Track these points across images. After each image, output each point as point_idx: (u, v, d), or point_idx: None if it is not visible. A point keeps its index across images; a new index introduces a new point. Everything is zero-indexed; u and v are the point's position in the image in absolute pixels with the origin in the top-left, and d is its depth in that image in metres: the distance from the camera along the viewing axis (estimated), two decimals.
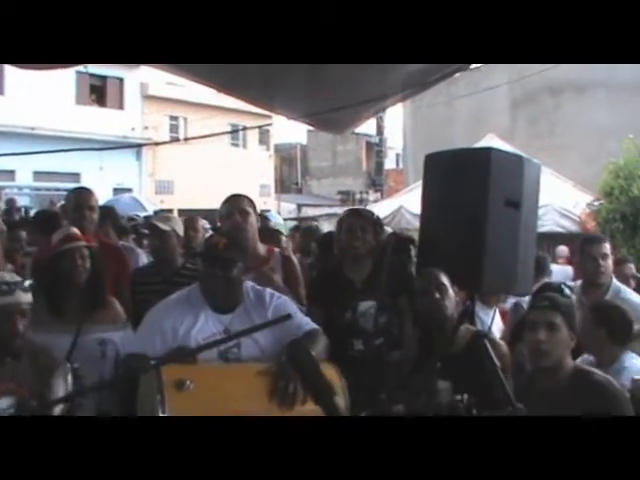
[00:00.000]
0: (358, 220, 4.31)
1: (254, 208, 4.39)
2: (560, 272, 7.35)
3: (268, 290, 3.54)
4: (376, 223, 4.41)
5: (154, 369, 2.93)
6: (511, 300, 5.00)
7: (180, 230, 4.79)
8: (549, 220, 10.91)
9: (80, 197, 4.82)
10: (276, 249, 4.63)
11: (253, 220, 4.32)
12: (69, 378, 2.71)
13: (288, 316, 2.00)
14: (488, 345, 2.14)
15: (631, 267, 6.26)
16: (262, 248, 4.47)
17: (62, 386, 2.57)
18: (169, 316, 3.35)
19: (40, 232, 5.63)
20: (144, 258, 5.57)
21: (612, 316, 3.80)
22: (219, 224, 4.40)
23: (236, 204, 4.32)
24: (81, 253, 3.74)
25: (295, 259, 4.66)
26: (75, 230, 3.89)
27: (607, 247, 4.77)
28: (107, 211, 6.01)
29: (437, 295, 3.57)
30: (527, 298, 4.65)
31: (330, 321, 4.06)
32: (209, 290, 3.38)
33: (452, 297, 3.64)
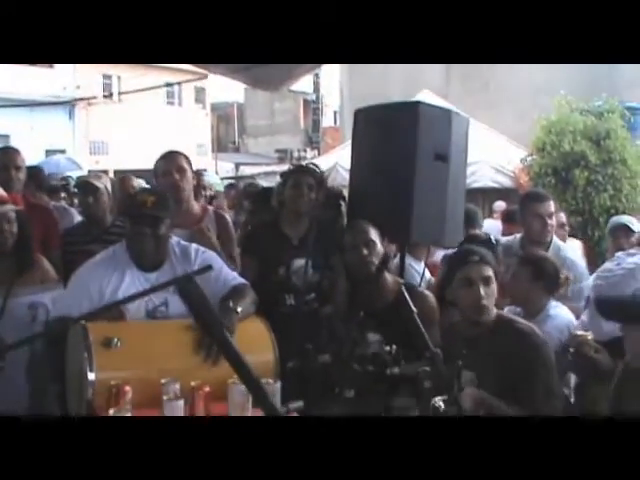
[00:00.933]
0: (305, 177, 4.30)
1: (190, 165, 4.36)
2: (492, 227, 7.44)
3: (193, 245, 3.53)
4: (321, 181, 4.40)
5: (81, 329, 2.91)
6: (440, 253, 5.05)
7: (110, 189, 4.75)
8: (483, 176, 11.00)
9: (5, 157, 4.71)
10: (210, 207, 4.62)
11: (189, 177, 4.29)
12: None
13: (209, 267, 1.98)
14: (405, 293, 2.18)
15: (562, 216, 6.41)
16: (196, 206, 4.46)
17: None
18: (95, 277, 3.32)
19: None
20: (78, 217, 5.48)
21: (547, 269, 3.91)
22: (155, 181, 4.34)
23: (172, 161, 4.28)
24: (7, 218, 3.66)
25: (229, 217, 4.64)
26: (0, 191, 3.80)
27: (552, 205, 4.84)
28: (35, 171, 5.89)
29: (365, 251, 3.59)
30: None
31: (263, 276, 4.08)
32: (136, 248, 3.36)
33: (380, 252, 3.66)
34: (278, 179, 4.74)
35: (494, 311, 3.08)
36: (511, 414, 2.86)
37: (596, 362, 3.05)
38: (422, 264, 4.92)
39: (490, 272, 3.07)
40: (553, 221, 4.77)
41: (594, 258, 7.11)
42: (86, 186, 4.65)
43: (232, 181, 15.06)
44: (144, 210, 3.28)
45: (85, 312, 3.03)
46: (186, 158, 4.40)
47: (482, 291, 3.01)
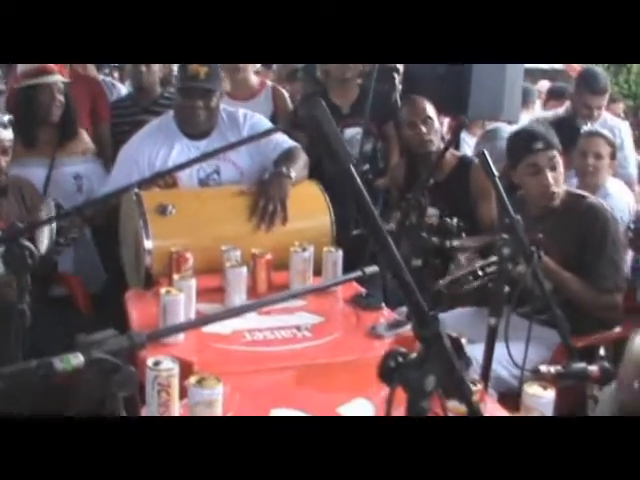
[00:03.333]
0: None
1: None
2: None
3: (241, 110, 3.44)
4: None
5: (135, 197, 2.87)
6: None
7: None
8: None
9: None
10: (268, 82, 4.51)
11: None
12: (53, 210, 2.65)
13: (269, 131, 1.91)
14: (487, 156, 2.07)
15: (621, 106, 6.23)
16: (254, 79, 4.35)
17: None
18: (143, 149, 3.26)
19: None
20: (125, 92, 5.36)
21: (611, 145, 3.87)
22: None
23: None
24: (58, 88, 3.58)
25: (286, 92, 4.52)
26: (44, 65, 3.69)
27: (605, 99, 4.63)
28: None
29: (423, 128, 3.53)
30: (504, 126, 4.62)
31: (311, 145, 4.00)
32: (186, 119, 3.27)
33: (438, 129, 3.60)
34: None
35: (562, 190, 2.98)
36: (578, 288, 2.81)
37: None
38: (474, 139, 4.83)
39: (556, 155, 2.94)
40: (602, 110, 4.60)
41: None
42: None
43: None
44: (196, 82, 3.18)
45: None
46: None
47: (550, 178, 2.89)
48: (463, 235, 2.98)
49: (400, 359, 1.07)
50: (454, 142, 2.94)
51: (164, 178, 3.13)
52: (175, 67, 5.01)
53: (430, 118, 3.55)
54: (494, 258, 2.20)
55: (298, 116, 4.15)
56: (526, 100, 5.44)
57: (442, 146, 3.60)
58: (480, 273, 2.28)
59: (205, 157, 2.92)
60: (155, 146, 3.26)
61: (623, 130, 4.86)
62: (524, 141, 2.97)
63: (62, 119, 3.65)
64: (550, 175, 2.89)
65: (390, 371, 1.07)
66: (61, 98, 3.59)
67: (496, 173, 2.05)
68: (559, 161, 2.94)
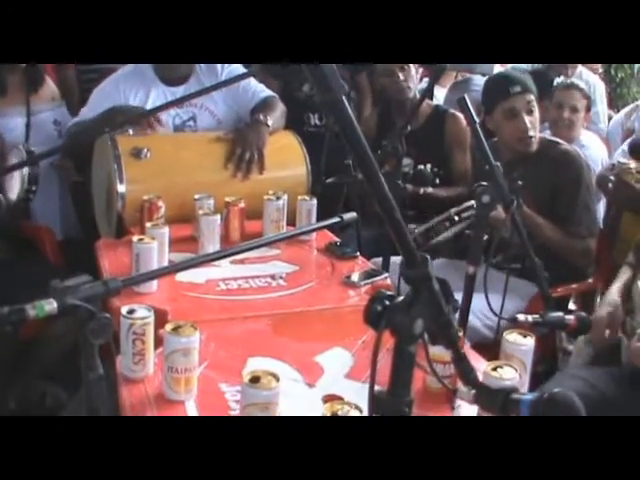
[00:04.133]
0: None
1: None
2: None
3: None
4: None
5: (109, 139, 2.81)
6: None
7: None
8: None
9: None
10: None
11: None
12: (24, 155, 2.58)
13: (245, 75, 1.85)
14: (468, 101, 2.03)
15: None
16: None
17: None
18: (119, 92, 3.17)
19: None
20: None
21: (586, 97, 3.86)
22: None
23: None
24: None
25: None
26: None
27: None
28: None
29: (401, 76, 3.49)
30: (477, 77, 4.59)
31: (286, 95, 3.95)
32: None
33: (414, 77, 3.57)
34: None
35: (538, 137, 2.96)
36: (552, 235, 2.82)
37: (637, 191, 2.97)
38: (446, 90, 4.81)
39: (533, 99, 2.91)
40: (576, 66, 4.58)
41: None
42: None
43: None
44: None
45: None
46: None
47: (527, 122, 2.87)
48: (437, 181, 2.97)
49: (387, 302, 1.04)
50: (432, 90, 2.90)
51: (144, 120, 3.05)
52: None
53: (407, 66, 3.51)
54: (470, 203, 2.18)
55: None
56: None
57: (417, 94, 3.58)
58: (456, 218, 2.26)
59: (181, 100, 2.87)
60: (132, 90, 3.18)
61: (597, 86, 4.86)
62: (500, 85, 2.95)
63: (27, 65, 3.54)
64: (527, 119, 2.87)
65: (377, 314, 1.03)
66: None
67: (476, 119, 2.02)
68: (535, 105, 2.92)
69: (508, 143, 2.93)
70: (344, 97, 0.84)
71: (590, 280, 3.07)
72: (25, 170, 2.48)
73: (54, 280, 1.22)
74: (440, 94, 4.73)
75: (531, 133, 2.88)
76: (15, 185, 2.39)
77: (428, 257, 1.01)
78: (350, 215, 1.87)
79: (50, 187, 3.41)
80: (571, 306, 3.39)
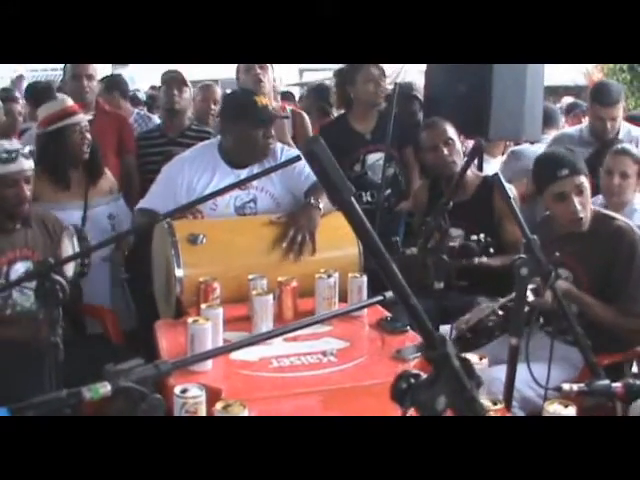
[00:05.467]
0: (374, 70, 4.25)
1: (272, 65, 4.33)
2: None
3: (279, 144, 3.51)
4: (383, 73, 4.35)
5: (167, 226, 2.93)
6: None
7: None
8: (553, 73, 10.65)
9: (77, 66, 4.69)
10: (288, 106, 4.59)
11: (270, 74, 4.26)
12: (75, 240, 2.71)
13: (298, 157, 1.97)
14: (502, 178, 2.12)
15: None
16: (276, 104, 4.44)
17: (70, 246, 2.57)
18: (184, 172, 3.33)
19: (35, 105, 5.45)
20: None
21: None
22: (237, 78, 4.30)
23: None
24: (84, 126, 3.64)
25: (306, 115, 4.59)
26: (69, 102, 3.77)
27: (616, 109, 4.56)
28: (118, 80, 5.85)
29: (445, 150, 3.57)
30: (527, 147, 4.63)
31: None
32: (244, 149, 3.32)
33: (459, 151, 3.63)
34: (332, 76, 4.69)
35: (590, 213, 2.98)
36: (602, 313, 2.82)
37: None
38: (497, 159, 4.86)
39: (583, 180, 2.92)
40: (617, 122, 4.48)
41: None
42: (172, 79, 4.58)
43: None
44: (269, 111, 3.30)
45: (170, 207, 3.05)
46: None
47: (577, 203, 2.88)
48: (491, 250, 3.00)
49: (412, 380, 1.11)
50: (471, 163, 2.96)
51: (192, 210, 3.18)
52: (214, 104, 5.10)
53: (451, 140, 3.60)
54: (512, 295, 2.21)
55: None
56: (550, 119, 5.45)
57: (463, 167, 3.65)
58: (500, 312, 2.31)
59: (238, 184, 3.00)
60: (197, 171, 3.33)
61: None
62: (549, 168, 2.96)
63: (89, 158, 3.71)
64: (577, 200, 2.88)
65: (402, 392, 1.10)
66: (89, 136, 3.66)
67: (511, 195, 2.09)
68: (586, 186, 2.93)
69: (560, 222, 2.96)
70: (352, 198, 0.92)
71: None
72: (76, 246, 2.59)
73: (108, 364, 1.31)
74: (493, 164, 4.78)
75: (581, 215, 2.90)
76: (69, 264, 2.52)
77: (446, 338, 1.08)
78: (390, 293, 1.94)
79: (101, 282, 3.57)
80: (635, 369, 3.33)
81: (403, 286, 1.02)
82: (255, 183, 3.31)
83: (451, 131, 3.62)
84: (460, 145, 3.68)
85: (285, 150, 3.47)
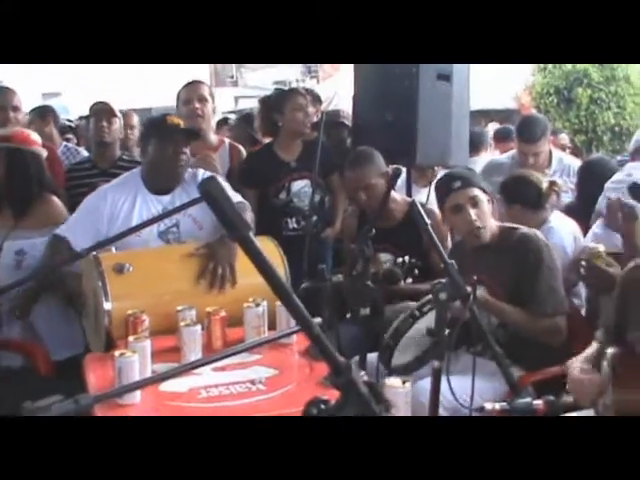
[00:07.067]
0: (303, 98, 4.31)
1: (212, 96, 4.35)
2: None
3: (200, 170, 3.55)
4: (312, 100, 4.42)
5: (93, 258, 2.92)
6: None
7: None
8: (484, 97, 10.91)
9: (1, 97, 4.64)
10: (226, 139, 4.61)
11: (210, 107, 4.28)
12: None
13: (213, 177, 2.00)
14: (419, 206, 2.19)
15: (564, 137, 6.37)
16: (214, 136, 4.47)
17: None
18: (106, 200, 3.33)
19: None
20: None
21: (522, 187, 3.74)
22: (176, 109, 4.31)
23: (195, 90, 4.27)
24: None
25: (243, 149, 4.61)
26: (9, 131, 3.72)
27: (541, 146, 4.59)
28: (47, 111, 5.79)
29: (364, 196, 3.64)
30: None
31: (263, 202, 4.12)
32: (156, 169, 3.36)
33: (381, 184, 3.65)
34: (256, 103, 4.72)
35: (493, 226, 3.08)
36: (517, 318, 2.92)
37: (607, 274, 3.07)
38: (426, 189, 4.90)
39: (476, 192, 3.04)
40: (540, 157, 4.60)
41: None
42: (101, 110, 4.52)
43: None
44: (178, 127, 3.31)
45: (95, 240, 3.07)
46: (209, 88, 4.40)
47: (472, 214, 3.00)
48: (416, 272, 3.06)
49: (322, 406, 1.14)
50: (391, 189, 3.04)
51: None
52: (134, 131, 5.11)
53: (370, 185, 3.63)
54: (428, 297, 2.29)
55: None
56: (479, 143, 5.59)
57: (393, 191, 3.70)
58: (417, 314, 2.37)
59: (165, 215, 3.04)
60: (120, 198, 3.34)
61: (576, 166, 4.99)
62: (444, 183, 3.11)
63: (9, 190, 3.58)
64: (472, 212, 3.00)
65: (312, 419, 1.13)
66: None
67: (427, 221, 2.14)
68: (482, 199, 3.04)
69: (462, 236, 3.07)
70: (250, 233, 0.96)
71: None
72: None
73: (27, 402, 1.31)
74: (423, 194, 4.80)
75: (478, 224, 3.00)
76: None
77: (352, 364, 1.11)
78: (317, 319, 1.97)
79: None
80: None
81: (308, 319, 1.05)
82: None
83: (370, 173, 3.64)
84: (388, 171, 3.69)
85: (207, 173, 3.49)
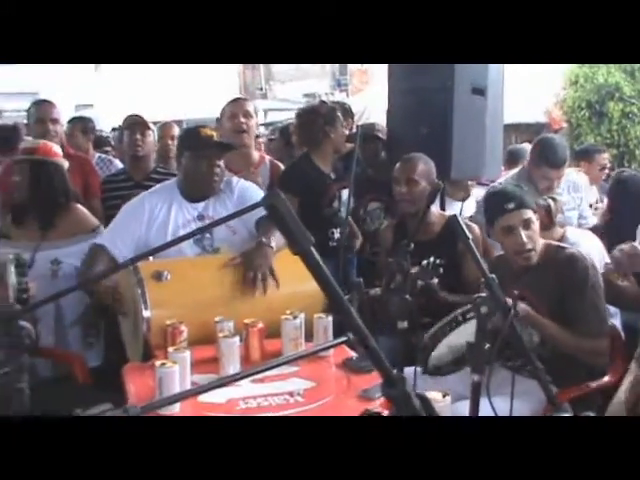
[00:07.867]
0: (338, 113, 4.41)
1: (256, 113, 4.42)
2: None
3: (234, 177, 3.60)
4: (348, 114, 4.48)
5: (132, 267, 2.95)
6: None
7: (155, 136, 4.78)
8: (516, 111, 10.87)
9: (41, 110, 4.71)
10: (267, 156, 4.66)
11: (253, 124, 4.37)
12: (12, 268, 2.61)
13: (256, 205, 2.01)
14: (460, 219, 2.19)
15: (606, 157, 6.34)
16: (255, 153, 4.53)
17: (12, 274, 2.51)
18: (144, 207, 3.39)
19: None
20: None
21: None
22: (219, 125, 4.37)
23: (240, 105, 4.36)
24: (20, 168, 3.61)
25: (282, 166, 4.64)
26: (34, 143, 3.78)
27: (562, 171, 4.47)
28: (84, 122, 5.86)
29: (404, 189, 3.63)
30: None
31: (308, 212, 4.13)
32: (191, 181, 3.40)
33: (423, 190, 3.64)
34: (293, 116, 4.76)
35: (540, 245, 3.07)
36: (560, 335, 2.91)
37: (623, 290, 3.05)
38: (460, 204, 4.91)
39: (529, 214, 3.02)
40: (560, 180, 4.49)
41: None
42: (135, 123, 4.62)
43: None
44: (212, 140, 3.36)
45: (134, 247, 3.23)
46: (253, 105, 4.49)
47: (524, 236, 2.99)
48: (440, 270, 3.05)
49: None
50: (430, 204, 3.04)
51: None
52: (175, 142, 5.14)
53: (413, 180, 3.62)
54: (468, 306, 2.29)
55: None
56: (516, 158, 5.63)
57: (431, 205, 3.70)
58: (460, 319, 2.37)
59: (204, 229, 3.15)
60: (157, 206, 3.40)
61: (583, 183, 4.98)
62: (497, 202, 3.08)
63: (40, 201, 3.62)
64: (524, 234, 2.99)
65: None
66: (25, 179, 3.59)
67: (469, 235, 2.15)
68: (533, 220, 3.03)
69: (510, 256, 3.05)
70: (311, 247, 0.97)
71: (606, 378, 3.10)
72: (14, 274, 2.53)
73: (77, 409, 1.33)
74: (456, 207, 4.80)
75: (528, 246, 3.00)
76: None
77: (405, 377, 1.12)
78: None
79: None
80: None
81: (362, 329, 1.06)
82: (211, 213, 3.40)
83: (416, 170, 3.64)
84: (425, 185, 3.68)
85: (241, 181, 3.55)
